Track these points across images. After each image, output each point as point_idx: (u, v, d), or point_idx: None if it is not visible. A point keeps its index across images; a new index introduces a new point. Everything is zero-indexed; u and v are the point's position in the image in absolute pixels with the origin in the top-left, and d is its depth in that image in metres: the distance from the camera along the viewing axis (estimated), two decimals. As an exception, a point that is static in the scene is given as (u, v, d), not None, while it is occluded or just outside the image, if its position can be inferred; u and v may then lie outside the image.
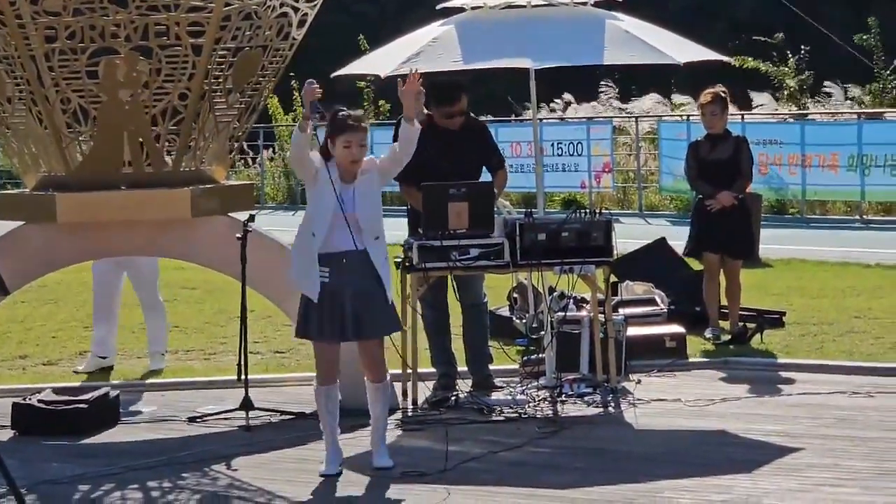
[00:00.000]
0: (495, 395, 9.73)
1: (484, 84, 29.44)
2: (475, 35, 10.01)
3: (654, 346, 10.93)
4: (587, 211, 9.75)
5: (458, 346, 10.07)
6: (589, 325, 9.97)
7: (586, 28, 10.03)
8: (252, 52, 9.71)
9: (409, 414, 9.39)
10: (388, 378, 8.33)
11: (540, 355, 10.14)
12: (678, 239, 13.17)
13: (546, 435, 8.73)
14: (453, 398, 9.66)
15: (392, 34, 10.86)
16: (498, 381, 9.99)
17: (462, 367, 10.02)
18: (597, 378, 9.85)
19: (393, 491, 7.65)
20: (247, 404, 9.23)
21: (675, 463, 8.02)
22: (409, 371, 9.53)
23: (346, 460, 8.11)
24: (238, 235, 9.20)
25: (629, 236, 15.13)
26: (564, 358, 9.93)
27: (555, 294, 10.24)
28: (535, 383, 9.93)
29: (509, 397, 9.65)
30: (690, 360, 10.93)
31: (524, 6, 10.23)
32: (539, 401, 9.56)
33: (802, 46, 28.37)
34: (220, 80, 9.66)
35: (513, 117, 31.28)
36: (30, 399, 9.30)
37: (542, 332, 10.18)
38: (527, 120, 28.53)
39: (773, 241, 18.19)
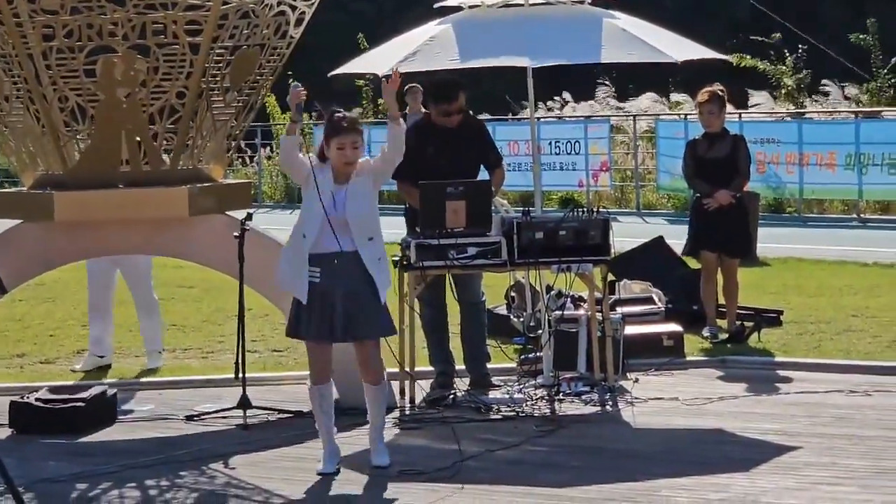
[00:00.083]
0: (493, 394, 9.72)
1: (482, 83, 29.40)
2: (473, 33, 10.01)
3: (652, 345, 10.92)
4: (585, 210, 9.76)
5: (455, 345, 10.07)
6: (586, 323, 9.96)
7: (584, 27, 10.03)
8: (250, 50, 9.71)
9: (407, 413, 9.38)
10: (386, 379, 8.33)
11: (538, 354, 10.12)
12: (676, 237, 13.16)
13: (544, 433, 8.73)
14: (451, 397, 9.66)
15: (390, 33, 10.86)
16: (496, 380, 9.99)
17: (460, 366, 10.02)
18: (594, 377, 9.84)
19: (391, 489, 7.64)
20: (244, 403, 9.21)
21: (672, 461, 8.01)
22: (407, 371, 9.53)
23: (343, 459, 8.11)
24: (235, 234, 9.19)
25: (627, 235, 15.10)
26: (562, 356, 9.94)
27: (552, 293, 10.24)
28: (533, 382, 9.93)
29: (507, 396, 9.64)
30: (688, 358, 10.92)
31: (522, 5, 10.23)
32: (537, 399, 9.56)
33: (800, 46, 28.36)
34: (218, 78, 9.66)
35: (510, 116, 31.25)
36: (27, 397, 9.30)
37: (540, 331, 10.16)
38: (524, 118, 28.52)
39: (770, 240, 18.19)
